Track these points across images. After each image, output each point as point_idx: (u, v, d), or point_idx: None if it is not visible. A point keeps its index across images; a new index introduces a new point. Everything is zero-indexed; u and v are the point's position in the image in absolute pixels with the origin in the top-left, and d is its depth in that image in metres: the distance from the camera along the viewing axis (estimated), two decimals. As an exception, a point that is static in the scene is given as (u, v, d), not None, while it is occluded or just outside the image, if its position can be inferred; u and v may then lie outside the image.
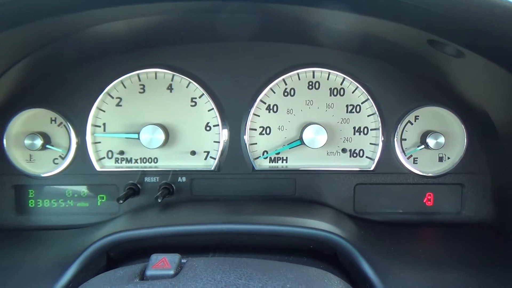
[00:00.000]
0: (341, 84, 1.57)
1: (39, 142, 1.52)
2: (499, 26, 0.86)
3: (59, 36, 1.26)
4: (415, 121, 1.58)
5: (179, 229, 1.21)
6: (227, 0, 1.12)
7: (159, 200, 1.44)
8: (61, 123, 1.57)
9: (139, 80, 1.57)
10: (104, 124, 1.58)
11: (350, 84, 1.57)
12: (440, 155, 1.60)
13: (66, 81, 1.55)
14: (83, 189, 1.59)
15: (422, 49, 1.20)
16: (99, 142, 1.58)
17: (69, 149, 1.56)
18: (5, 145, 1.54)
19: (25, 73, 1.41)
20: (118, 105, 1.57)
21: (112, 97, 1.57)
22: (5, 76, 1.31)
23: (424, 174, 1.58)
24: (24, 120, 1.56)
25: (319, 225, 1.23)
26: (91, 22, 1.23)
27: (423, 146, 1.56)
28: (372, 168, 1.58)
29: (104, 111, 1.57)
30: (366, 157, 1.60)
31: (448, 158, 1.59)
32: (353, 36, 1.35)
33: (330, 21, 1.24)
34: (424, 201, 1.59)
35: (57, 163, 1.58)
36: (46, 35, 1.22)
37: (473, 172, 1.57)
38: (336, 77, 1.57)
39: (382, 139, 1.57)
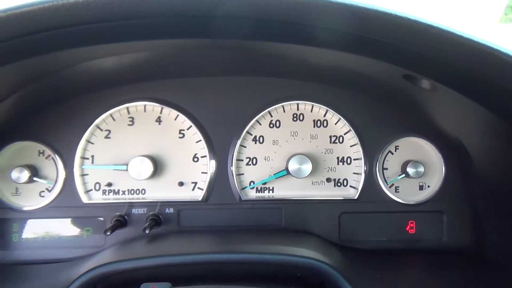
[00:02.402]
0: (324, 116, 1.64)
1: (26, 175, 1.51)
2: (472, 64, 0.93)
3: (49, 71, 1.28)
4: (395, 151, 1.64)
5: (168, 260, 1.21)
6: (206, 36, 1.15)
7: (147, 231, 1.44)
8: (49, 155, 1.57)
9: (128, 112, 1.60)
10: (92, 156, 1.59)
11: (333, 115, 1.63)
12: (421, 184, 1.65)
13: (55, 114, 1.56)
14: (69, 222, 1.58)
15: (399, 83, 1.27)
16: (87, 174, 1.59)
17: (56, 182, 1.56)
18: (-9, 179, 1.53)
19: (13, 107, 1.42)
20: (107, 137, 1.59)
21: (101, 130, 1.59)
22: (-6, 110, 1.32)
23: (406, 202, 1.62)
24: (12, 153, 1.56)
25: (306, 253, 1.25)
26: (81, 59, 1.27)
27: (403, 175, 1.62)
28: (356, 197, 1.62)
29: (92, 143, 1.59)
30: (350, 186, 1.64)
31: (428, 186, 1.65)
32: (334, 71, 1.42)
33: (312, 57, 1.31)
34: (407, 228, 1.63)
35: (43, 196, 1.57)
36: (36, 71, 1.24)
37: (452, 199, 1.62)
38: (319, 109, 1.63)
39: (365, 168, 1.62)
